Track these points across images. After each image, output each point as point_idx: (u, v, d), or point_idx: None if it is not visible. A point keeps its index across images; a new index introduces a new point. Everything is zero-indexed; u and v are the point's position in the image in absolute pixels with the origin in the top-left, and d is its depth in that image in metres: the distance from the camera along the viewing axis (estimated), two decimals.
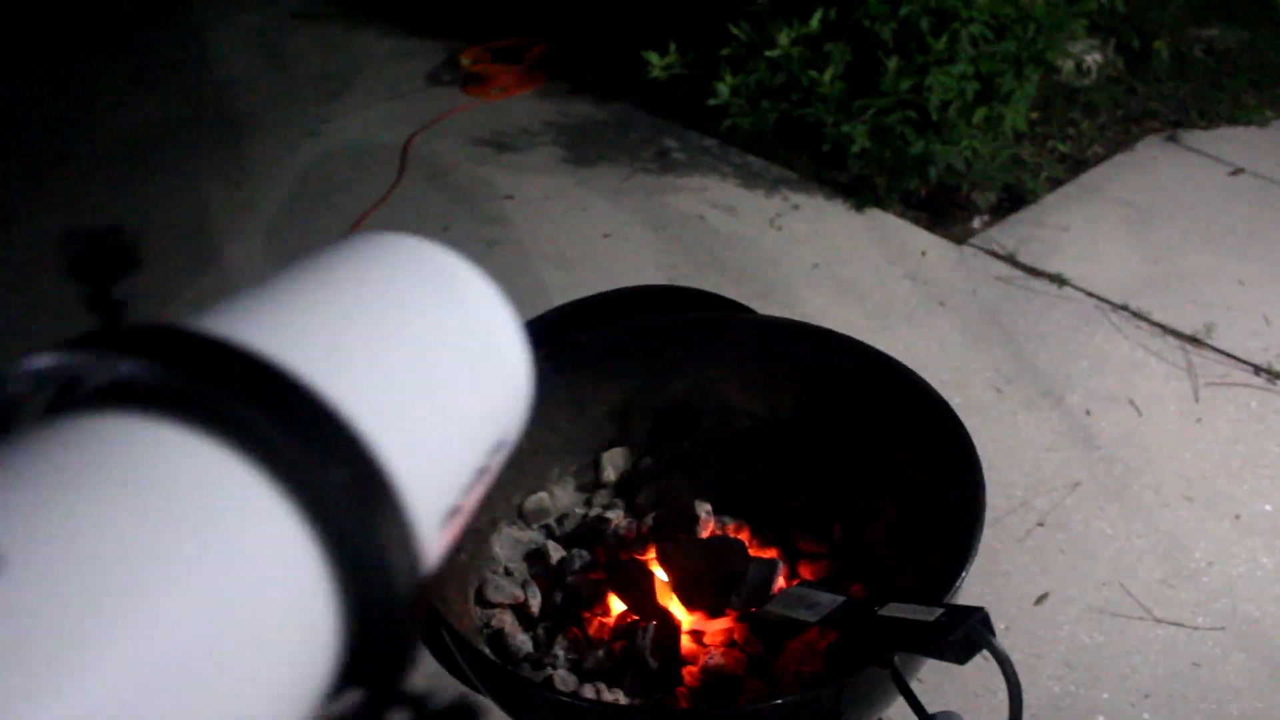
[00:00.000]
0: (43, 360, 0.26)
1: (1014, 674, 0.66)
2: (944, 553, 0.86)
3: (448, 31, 3.78)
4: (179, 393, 0.25)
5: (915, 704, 0.74)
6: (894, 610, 0.75)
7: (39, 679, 0.19)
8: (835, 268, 2.41)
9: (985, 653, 0.68)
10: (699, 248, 2.49)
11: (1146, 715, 1.47)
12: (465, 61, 3.41)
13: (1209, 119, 2.89)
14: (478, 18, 3.73)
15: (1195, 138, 2.83)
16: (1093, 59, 2.99)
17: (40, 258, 2.64)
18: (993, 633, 0.68)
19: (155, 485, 0.23)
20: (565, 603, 1.00)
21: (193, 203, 2.88)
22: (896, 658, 0.74)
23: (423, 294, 0.36)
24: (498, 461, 0.35)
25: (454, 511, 0.31)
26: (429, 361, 0.33)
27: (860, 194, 2.62)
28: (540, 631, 0.99)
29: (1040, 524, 1.77)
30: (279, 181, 2.96)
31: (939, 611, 0.71)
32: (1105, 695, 1.51)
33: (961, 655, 0.68)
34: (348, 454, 0.26)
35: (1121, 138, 2.84)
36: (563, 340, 1.06)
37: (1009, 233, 2.50)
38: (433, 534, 0.29)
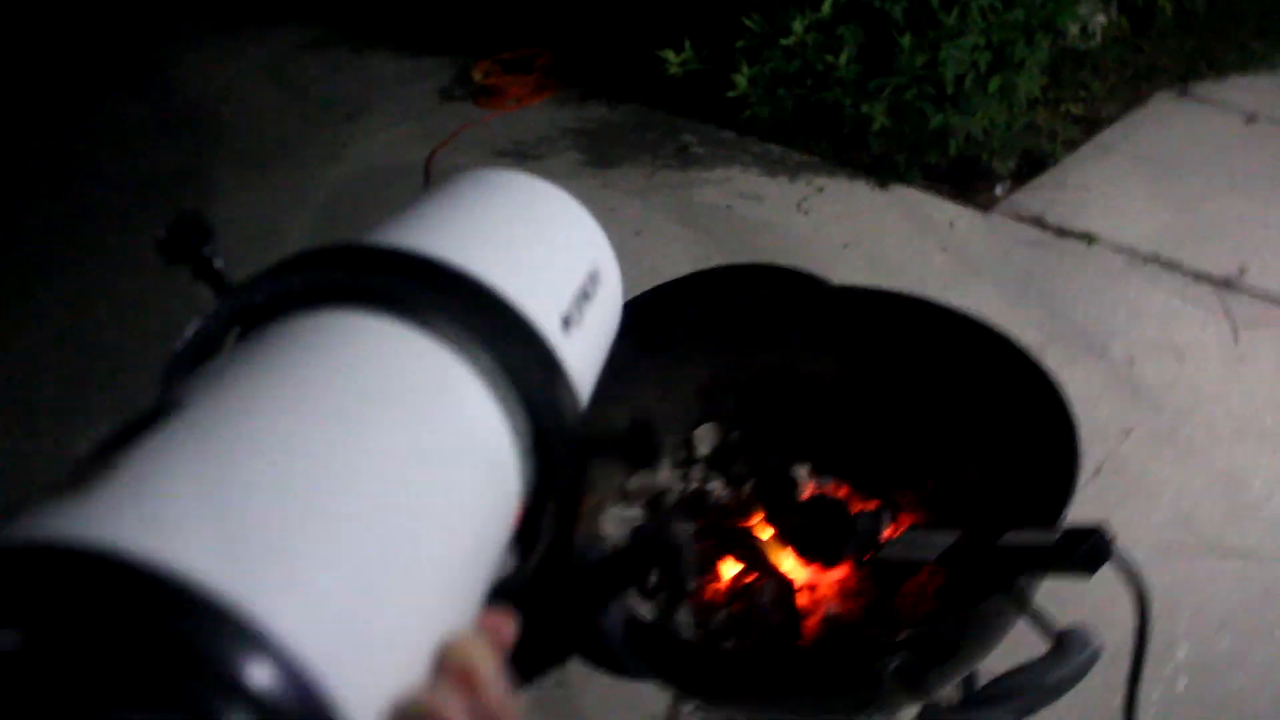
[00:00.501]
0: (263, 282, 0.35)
1: (1142, 582, 0.71)
2: (1041, 489, 0.91)
3: (455, 48, 3.83)
4: (387, 293, 0.33)
5: (1041, 624, 0.78)
6: (1013, 538, 0.79)
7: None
8: (866, 246, 2.46)
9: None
10: (730, 237, 2.54)
11: (1227, 641, 1.52)
12: (477, 75, 3.46)
13: (1218, 69, 2.93)
14: (483, 32, 3.78)
15: (1206, 89, 2.88)
16: (1097, 21, 3.04)
17: (88, 305, 2.70)
18: (1113, 546, 0.73)
19: (385, 360, 0.32)
20: None
21: (226, 236, 2.93)
22: (1018, 582, 0.79)
23: (509, 199, 0.47)
24: (603, 293, 0.46)
25: (568, 320, 0.41)
26: (521, 231, 0.45)
27: (883, 172, 2.67)
28: (660, 600, 1.04)
29: (1097, 472, 1.81)
30: (306, 209, 3.02)
31: (1057, 534, 0.76)
32: (1183, 628, 1.56)
33: (1088, 568, 0.72)
34: (529, 337, 0.35)
35: (1133, 96, 2.89)
36: (647, 325, 1.11)
37: (1033, 197, 2.55)
38: (561, 341, 0.38)
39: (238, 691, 0.21)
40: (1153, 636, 1.53)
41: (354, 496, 0.26)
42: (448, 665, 0.27)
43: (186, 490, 0.24)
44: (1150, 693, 1.50)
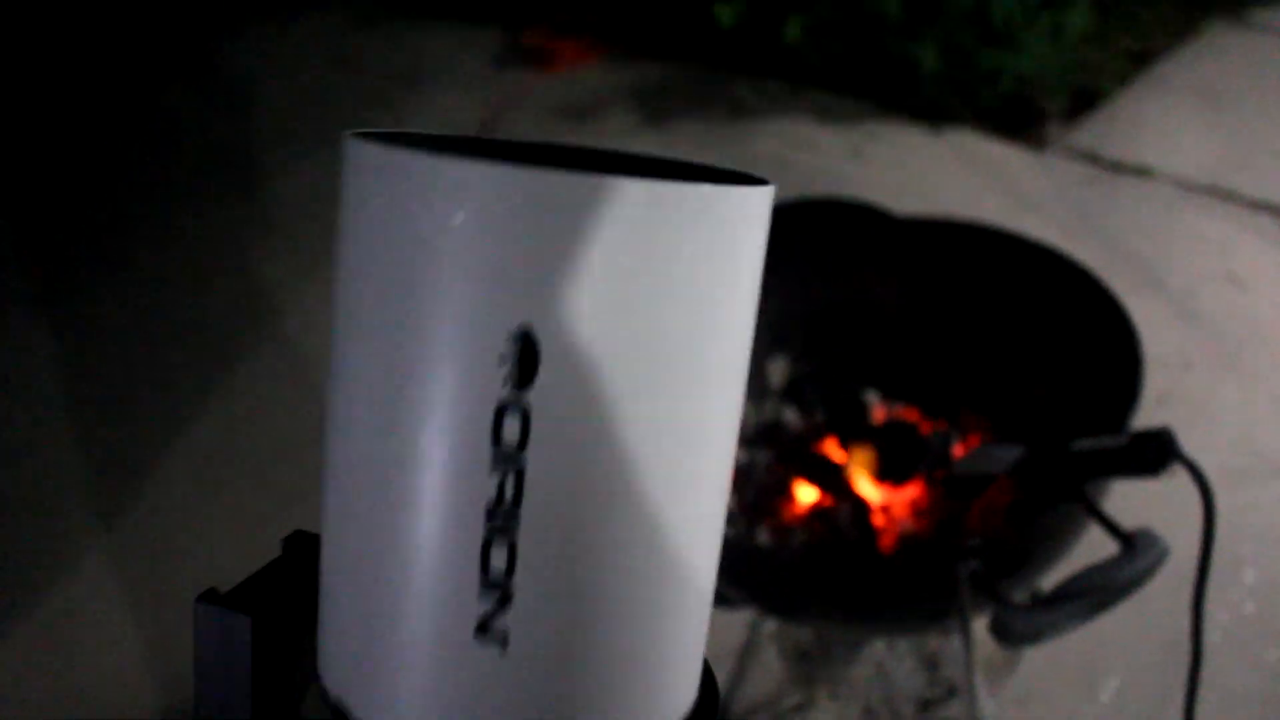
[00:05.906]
0: None
1: (1206, 480, 0.75)
2: (1106, 401, 0.95)
3: (505, 14, 3.88)
4: None
5: (1111, 526, 0.83)
6: (1083, 444, 0.84)
7: None
8: (921, 189, 2.48)
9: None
10: (787, 186, 2.55)
11: None
12: (527, 41, 3.51)
13: None
14: None
15: (1263, 16, 2.84)
16: None
17: (162, 279, 2.79)
18: (1179, 445, 0.77)
19: None
20: (758, 498, 1.11)
21: (299, 210, 3.02)
22: (1087, 488, 0.83)
23: None
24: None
25: None
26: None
27: (935, 116, 2.68)
28: (741, 524, 1.10)
29: (1160, 401, 1.83)
30: None
31: (1126, 438, 0.80)
32: (1249, 551, 1.59)
33: (1156, 468, 0.77)
34: None
35: (1185, 26, 2.86)
36: None
37: (1086, 133, 2.55)
38: None
39: None
40: (1219, 561, 1.57)
41: None
42: None
43: None
44: (1217, 614, 1.53)
